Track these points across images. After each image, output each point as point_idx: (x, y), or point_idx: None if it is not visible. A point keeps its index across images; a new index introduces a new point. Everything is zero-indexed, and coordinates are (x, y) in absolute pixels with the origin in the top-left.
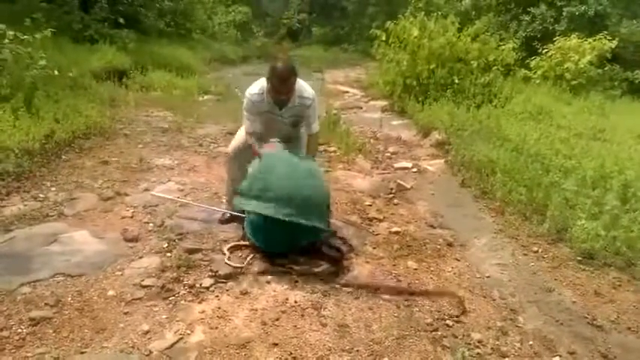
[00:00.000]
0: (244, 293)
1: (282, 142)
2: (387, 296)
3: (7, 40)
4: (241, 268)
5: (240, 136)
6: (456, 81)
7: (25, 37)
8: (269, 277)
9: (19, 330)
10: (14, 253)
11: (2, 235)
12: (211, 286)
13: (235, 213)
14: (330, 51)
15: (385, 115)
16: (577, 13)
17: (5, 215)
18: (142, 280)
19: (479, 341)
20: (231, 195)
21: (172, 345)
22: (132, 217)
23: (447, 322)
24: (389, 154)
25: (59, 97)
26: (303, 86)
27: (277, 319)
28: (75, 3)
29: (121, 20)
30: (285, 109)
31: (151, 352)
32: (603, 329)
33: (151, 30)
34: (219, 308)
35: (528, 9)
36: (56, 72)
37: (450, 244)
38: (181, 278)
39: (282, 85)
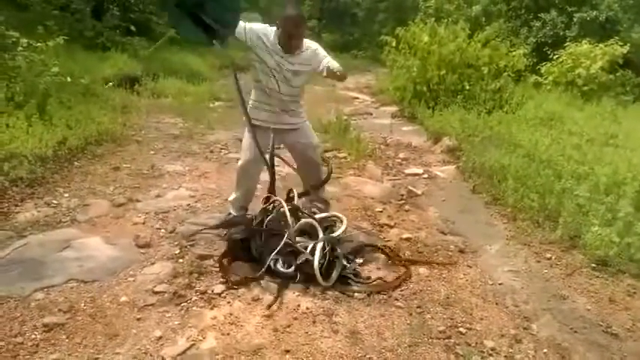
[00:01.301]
0: (256, 299)
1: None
2: (399, 303)
3: (20, 48)
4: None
5: (246, 145)
6: (467, 87)
7: (38, 44)
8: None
9: (33, 336)
10: (28, 259)
11: (16, 241)
12: (223, 292)
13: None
14: (340, 57)
15: (395, 121)
16: (588, 19)
17: (19, 221)
18: (154, 287)
19: (492, 349)
20: (238, 203)
21: (184, 351)
22: (144, 223)
23: (460, 329)
24: (399, 160)
25: (72, 103)
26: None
27: (289, 326)
28: (87, 11)
29: (133, 28)
30: (293, 56)
31: (163, 358)
32: (618, 337)
33: (162, 37)
34: (230, 314)
35: (539, 15)
36: (69, 79)
37: (461, 251)
38: (193, 284)
39: (295, 29)
